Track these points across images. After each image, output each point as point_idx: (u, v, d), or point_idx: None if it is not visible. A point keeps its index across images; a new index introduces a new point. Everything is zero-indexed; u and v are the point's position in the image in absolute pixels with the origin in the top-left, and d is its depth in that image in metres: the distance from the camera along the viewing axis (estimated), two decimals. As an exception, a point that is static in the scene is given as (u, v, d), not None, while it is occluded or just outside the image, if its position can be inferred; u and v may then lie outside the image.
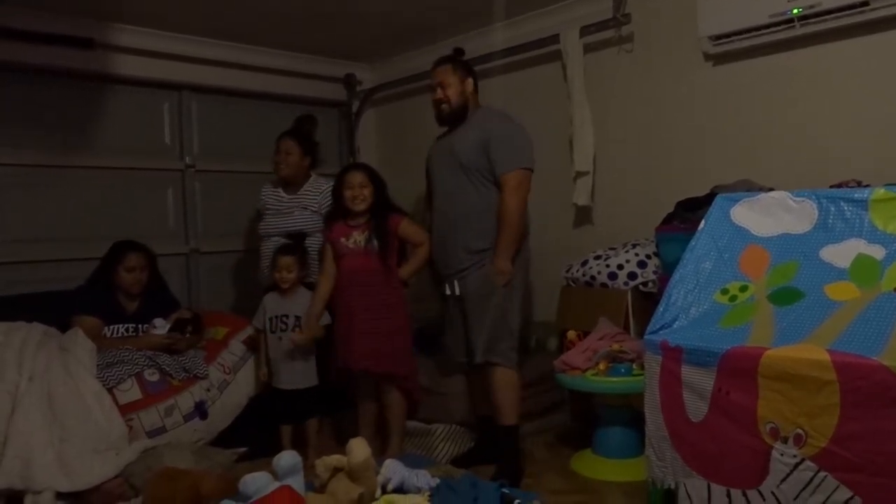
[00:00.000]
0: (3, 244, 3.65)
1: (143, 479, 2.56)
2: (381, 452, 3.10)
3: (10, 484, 2.49)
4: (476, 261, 2.98)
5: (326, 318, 3.21)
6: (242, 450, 3.09)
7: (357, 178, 3.15)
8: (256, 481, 2.00)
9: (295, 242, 3.35)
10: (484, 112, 3.10)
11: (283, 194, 3.59)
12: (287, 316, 3.21)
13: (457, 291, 3.06)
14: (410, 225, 3.20)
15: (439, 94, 3.09)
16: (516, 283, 3.01)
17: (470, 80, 3.10)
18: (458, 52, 3.26)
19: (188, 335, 3.33)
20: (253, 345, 3.40)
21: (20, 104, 3.70)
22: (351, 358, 3.10)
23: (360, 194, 3.12)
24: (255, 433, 3.25)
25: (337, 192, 3.20)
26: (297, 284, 3.26)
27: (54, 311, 3.24)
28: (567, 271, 3.54)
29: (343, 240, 3.14)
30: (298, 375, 3.20)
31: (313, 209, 3.51)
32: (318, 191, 3.55)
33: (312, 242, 3.46)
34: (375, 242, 3.11)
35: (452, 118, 3.10)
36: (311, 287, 3.29)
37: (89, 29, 3.73)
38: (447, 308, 3.18)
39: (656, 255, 3.27)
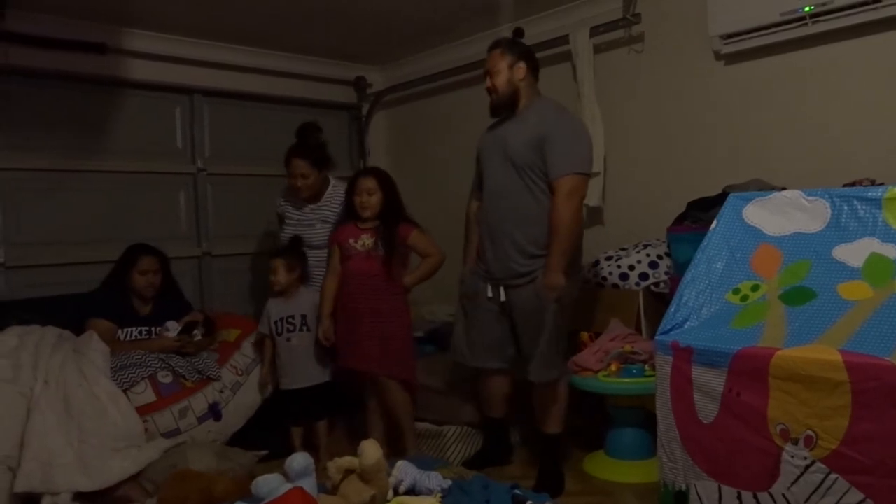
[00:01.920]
0: (17, 248, 3.68)
1: (166, 478, 2.58)
2: (400, 453, 3.10)
3: (31, 487, 2.50)
4: (529, 270, 2.83)
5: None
6: (264, 452, 3.10)
7: (366, 184, 3.13)
8: (269, 483, 2.01)
9: (288, 246, 3.35)
10: (542, 104, 2.87)
11: (306, 206, 3.52)
12: (293, 316, 3.23)
13: (501, 298, 2.93)
14: (420, 236, 3.17)
15: (487, 82, 2.89)
16: (567, 299, 2.84)
17: (521, 66, 2.86)
18: (517, 32, 3.01)
19: (198, 337, 3.35)
20: (258, 350, 3.42)
21: (33, 109, 3.73)
22: (353, 359, 3.12)
23: (366, 201, 3.11)
24: (266, 435, 3.26)
25: (348, 196, 3.21)
26: (298, 286, 3.29)
27: (69, 314, 3.27)
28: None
29: (351, 241, 3.14)
30: (308, 374, 3.23)
31: (333, 220, 3.45)
32: (338, 202, 3.45)
33: (319, 255, 3.45)
34: (382, 247, 3.11)
35: (500, 109, 2.91)
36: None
37: (102, 34, 3.76)
38: (478, 309, 3.02)
39: (668, 255, 3.25)
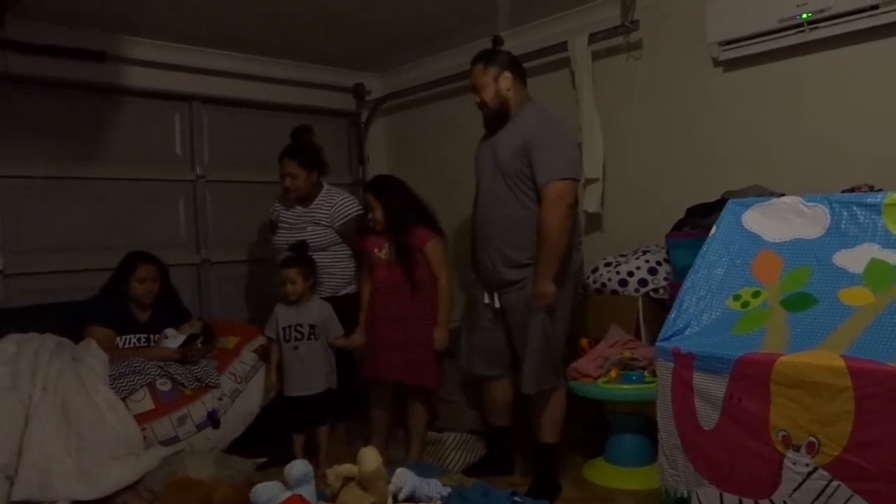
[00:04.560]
0: (16, 255, 3.67)
1: (164, 486, 2.57)
2: (402, 460, 3.10)
3: (29, 496, 2.49)
4: (519, 278, 2.82)
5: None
6: (263, 460, 3.10)
7: (366, 200, 3.21)
8: (268, 490, 2.00)
9: (297, 253, 3.34)
10: (529, 111, 2.84)
11: (298, 208, 3.55)
12: (301, 325, 3.22)
13: (496, 304, 2.92)
14: (436, 249, 3.14)
15: (476, 98, 2.90)
16: (560, 306, 2.79)
17: (507, 75, 2.84)
18: (495, 41, 3.01)
19: (198, 347, 3.33)
20: (264, 354, 3.41)
21: (33, 116, 3.73)
22: (378, 368, 3.13)
23: (371, 218, 3.17)
24: (267, 442, 3.25)
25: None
26: (309, 294, 3.27)
27: (67, 321, 3.26)
28: (578, 278, 3.53)
29: (376, 250, 3.18)
30: (313, 381, 3.22)
31: (325, 224, 3.49)
32: (329, 205, 3.51)
33: (325, 258, 3.45)
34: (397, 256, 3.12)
35: (494, 120, 2.89)
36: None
37: (101, 42, 3.76)
38: (478, 315, 3.03)
39: (667, 261, 3.25)
